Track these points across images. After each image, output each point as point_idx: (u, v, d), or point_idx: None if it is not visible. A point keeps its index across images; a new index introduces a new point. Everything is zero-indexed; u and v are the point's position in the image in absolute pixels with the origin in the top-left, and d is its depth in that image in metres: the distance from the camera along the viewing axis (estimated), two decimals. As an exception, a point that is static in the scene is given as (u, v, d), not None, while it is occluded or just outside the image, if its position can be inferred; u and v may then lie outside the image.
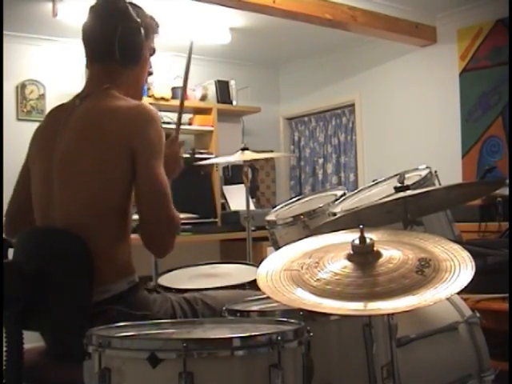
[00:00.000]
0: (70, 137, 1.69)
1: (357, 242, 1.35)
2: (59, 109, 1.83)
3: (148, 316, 1.59)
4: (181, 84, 2.07)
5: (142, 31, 1.78)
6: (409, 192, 1.81)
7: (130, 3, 1.80)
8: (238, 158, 2.91)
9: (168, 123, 5.07)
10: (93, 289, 1.56)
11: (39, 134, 1.83)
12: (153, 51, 1.88)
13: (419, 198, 1.83)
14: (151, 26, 1.85)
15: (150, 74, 1.91)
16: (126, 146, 1.64)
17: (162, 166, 1.65)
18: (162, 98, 5.06)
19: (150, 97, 4.97)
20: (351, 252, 1.36)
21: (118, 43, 1.74)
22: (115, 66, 1.77)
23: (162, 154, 1.67)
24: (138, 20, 1.77)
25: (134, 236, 1.69)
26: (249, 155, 2.92)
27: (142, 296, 1.69)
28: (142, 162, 1.63)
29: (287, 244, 1.54)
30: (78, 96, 1.79)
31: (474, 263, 1.28)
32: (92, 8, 1.80)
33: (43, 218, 1.73)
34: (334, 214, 2.17)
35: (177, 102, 5.16)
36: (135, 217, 1.68)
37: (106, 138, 1.65)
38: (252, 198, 5.42)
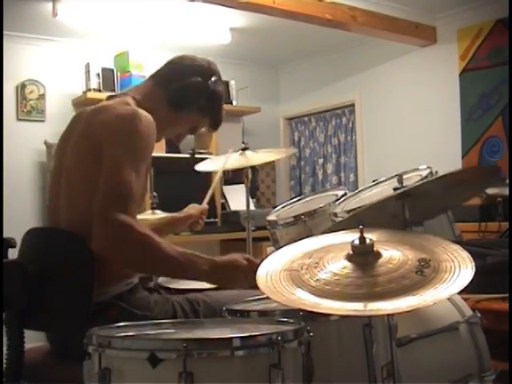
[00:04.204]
0: (74, 141, 1.71)
1: (356, 242, 1.35)
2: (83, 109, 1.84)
3: (148, 317, 1.59)
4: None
5: (204, 95, 1.85)
6: (404, 186, 1.80)
7: (219, 78, 1.91)
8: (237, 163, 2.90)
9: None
10: (94, 289, 1.56)
11: (61, 135, 1.83)
12: (194, 127, 1.94)
13: (418, 196, 1.82)
14: (217, 108, 1.95)
15: (178, 139, 1.97)
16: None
17: (133, 167, 1.55)
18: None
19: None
20: (351, 252, 1.35)
21: (179, 83, 1.81)
22: (162, 97, 1.81)
23: (136, 156, 1.58)
24: (211, 87, 1.86)
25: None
26: (249, 158, 2.89)
27: (141, 297, 1.69)
28: (107, 153, 1.58)
29: (288, 244, 1.54)
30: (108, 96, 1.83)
31: (473, 263, 1.28)
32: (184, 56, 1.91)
33: (51, 219, 1.77)
34: (335, 215, 2.17)
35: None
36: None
37: (95, 148, 1.62)
38: (252, 198, 5.42)
